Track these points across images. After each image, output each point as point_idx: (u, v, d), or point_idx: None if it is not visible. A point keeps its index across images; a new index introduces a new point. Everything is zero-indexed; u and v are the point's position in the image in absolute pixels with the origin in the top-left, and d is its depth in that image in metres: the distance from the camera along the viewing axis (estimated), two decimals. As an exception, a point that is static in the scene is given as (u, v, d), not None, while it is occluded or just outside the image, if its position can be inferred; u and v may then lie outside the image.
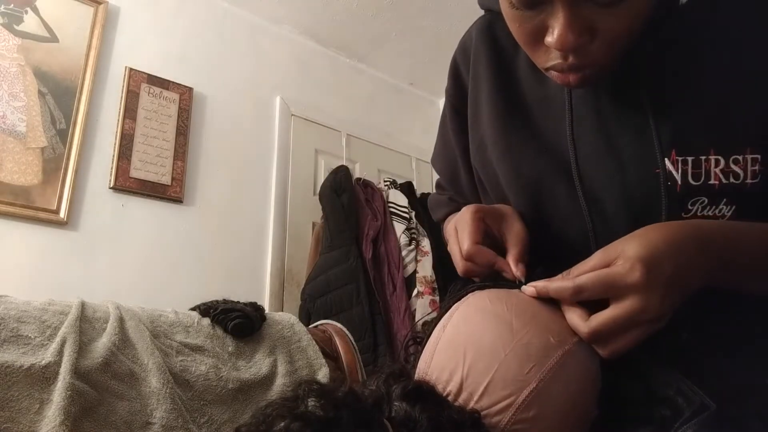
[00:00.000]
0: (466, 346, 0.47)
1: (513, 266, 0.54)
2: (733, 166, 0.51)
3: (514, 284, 0.53)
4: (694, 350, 0.50)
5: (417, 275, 2.10)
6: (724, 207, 0.51)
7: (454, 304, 0.52)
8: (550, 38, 0.48)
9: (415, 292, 2.06)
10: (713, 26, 0.54)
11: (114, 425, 0.79)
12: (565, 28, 0.46)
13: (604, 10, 0.46)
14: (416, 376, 0.49)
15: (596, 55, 0.49)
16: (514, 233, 0.58)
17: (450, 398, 0.45)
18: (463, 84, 0.73)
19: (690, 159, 0.52)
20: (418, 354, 0.53)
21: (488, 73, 0.66)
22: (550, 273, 0.51)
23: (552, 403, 0.44)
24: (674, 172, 0.52)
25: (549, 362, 0.44)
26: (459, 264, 0.58)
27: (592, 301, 0.47)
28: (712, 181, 0.51)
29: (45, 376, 0.77)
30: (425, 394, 0.44)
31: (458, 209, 0.69)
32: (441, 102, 3.17)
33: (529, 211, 0.62)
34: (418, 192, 2.54)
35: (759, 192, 0.51)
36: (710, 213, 0.52)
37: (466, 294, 0.52)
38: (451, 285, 0.57)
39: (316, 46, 2.72)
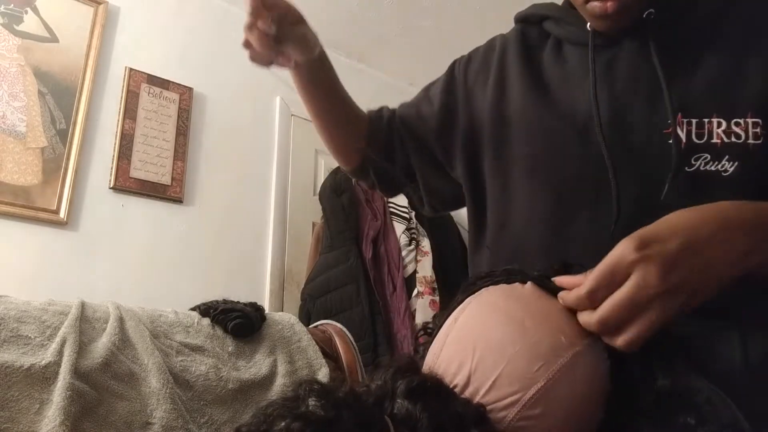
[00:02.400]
0: (476, 340, 0.47)
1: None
2: (734, 128, 0.56)
3: (528, 279, 0.52)
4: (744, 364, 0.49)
5: (417, 275, 2.10)
6: (727, 163, 0.55)
7: (467, 298, 0.52)
8: None
9: (415, 292, 2.06)
10: (723, 3, 0.61)
11: (114, 425, 0.79)
12: None
13: None
14: (424, 369, 0.49)
15: None
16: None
17: (457, 390, 0.45)
18: (480, 64, 0.81)
19: (694, 121, 0.57)
20: (427, 346, 0.53)
21: (517, 59, 0.75)
22: (564, 265, 0.51)
23: (558, 402, 0.44)
24: (680, 132, 0.58)
25: (558, 362, 0.44)
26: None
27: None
28: (714, 140, 0.56)
29: (45, 376, 0.77)
30: (430, 390, 0.44)
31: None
32: (441, 102, 3.17)
33: (540, 158, 0.68)
34: (418, 192, 2.53)
35: (763, 152, 0.55)
36: (712, 168, 0.56)
37: (480, 289, 0.52)
38: (462, 281, 0.56)
39: (316, 46, 2.72)
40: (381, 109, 0.95)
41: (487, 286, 0.52)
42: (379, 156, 0.88)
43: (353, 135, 0.90)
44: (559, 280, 0.49)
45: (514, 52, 0.76)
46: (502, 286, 0.51)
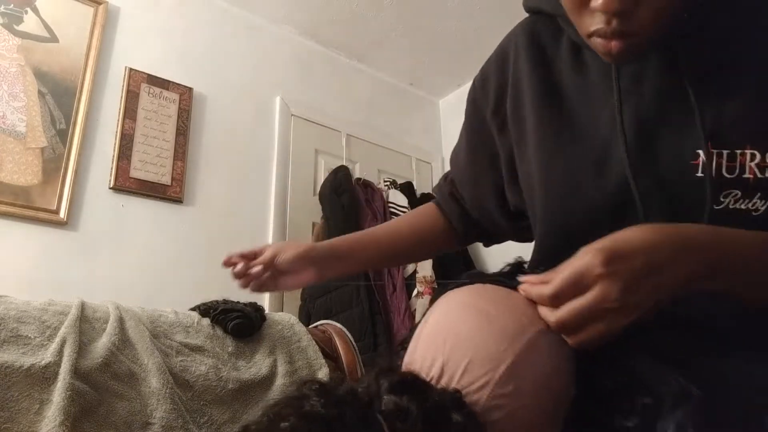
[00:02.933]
0: (446, 334, 0.49)
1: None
2: None
3: (498, 282, 0.55)
4: (684, 345, 0.51)
5: (417, 275, 2.10)
6: (759, 201, 0.51)
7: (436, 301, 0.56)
8: (596, 1, 0.49)
9: (415, 292, 2.06)
10: (755, 20, 0.54)
11: (114, 425, 0.79)
12: None
13: None
14: (403, 368, 0.52)
15: (640, 21, 0.50)
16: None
17: (432, 382, 0.47)
18: (496, 87, 0.73)
19: (725, 152, 0.52)
20: (405, 349, 0.55)
21: (528, 66, 0.67)
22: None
23: (528, 378, 0.46)
24: (709, 165, 0.52)
25: (523, 339, 0.47)
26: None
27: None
28: (746, 175, 0.51)
29: (45, 376, 0.77)
30: (410, 383, 0.46)
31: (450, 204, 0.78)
32: (441, 102, 3.17)
33: (557, 210, 0.62)
34: (418, 192, 2.54)
35: None
36: (743, 206, 0.51)
37: (446, 292, 0.56)
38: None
39: (316, 46, 2.72)
40: (442, 195, 0.87)
41: (453, 289, 0.55)
42: (475, 229, 0.85)
43: (443, 244, 0.88)
44: (525, 278, 0.52)
45: (524, 56, 0.68)
46: (467, 287, 0.55)
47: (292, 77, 2.58)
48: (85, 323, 0.90)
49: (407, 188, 2.44)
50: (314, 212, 2.33)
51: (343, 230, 2.09)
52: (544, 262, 0.58)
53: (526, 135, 0.67)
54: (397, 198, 2.31)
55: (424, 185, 2.74)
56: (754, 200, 0.51)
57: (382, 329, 1.93)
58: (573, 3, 0.53)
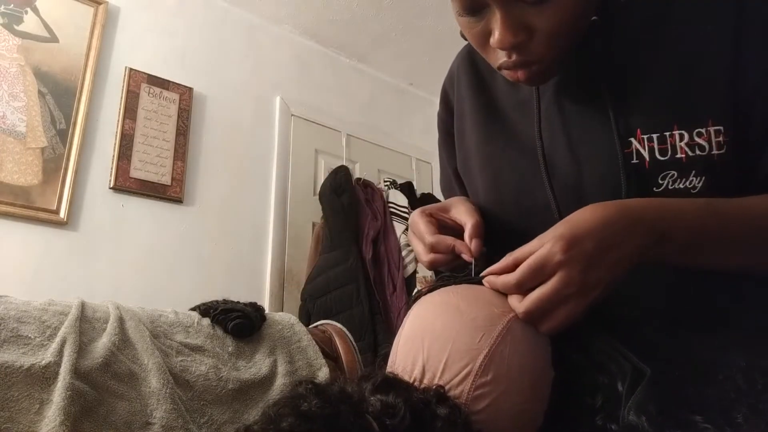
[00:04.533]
0: (423, 335, 0.51)
1: (468, 242, 0.59)
2: (697, 139, 0.54)
3: (467, 281, 0.57)
4: (638, 324, 0.53)
5: (417, 275, 2.10)
6: (694, 179, 0.54)
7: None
8: (492, 39, 0.54)
9: (414, 292, 2.06)
10: (660, 20, 0.58)
11: (114, 425, 0.79)
12: (503, 28, 0.52)
13: (535, 9, 0.51)
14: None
15: (537, 50, 0.54)
16: (464, 212, 0.63)
17: (416, 383, 0.48)
18: (451, 108, 0.79)
19: (655, 136, 0.55)
20: (386, 358, 0.57)
21: (469, 91, 0.73)
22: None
23: (506, 364, 0.47)
24: (642, 150, 0.56)
25: (497, 329, 0.48)
26: (424, 259, 0.63)
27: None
28: (678, 155, 0.54)
29: (45, 376, 0.77)
30: (393, 382, 0.47)
31: None
32: (441, 102, 3.17)
33: (508, 217, 0.66)
34: (418, 192, 2.54)
35: (728, 162, 0.53)
36: (681, 186, 0.54)
37: (420, 298, 0.58)
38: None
39: (316, 46, 2.72)
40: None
41: (425, 293, 0.57)
42: None
43: None
44: (487, 270, 0.54)
45: (465, 82, 0.74)
46: (437, 290, 0.57)
47: (292, 77, 2.58)
48: (85, 323, 0.90)
49: (407, 188, 2.44)
50: (314, 212, 2.33)
51: (343, 230, 2.09)
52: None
53: (470, 152, 0.72)
54: (397, 198, 2.31)
55: (424, 185, 2.74)
56: (690, 178, 0.54)
57: (382, 329, 1.93)
58: (476, 42, 0.57)
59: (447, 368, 0.47)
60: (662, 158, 0.55)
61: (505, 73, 0.58)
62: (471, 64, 0.74)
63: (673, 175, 0.54)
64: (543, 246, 0.48)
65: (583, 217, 0.49)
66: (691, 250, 0.51)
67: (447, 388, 0.46)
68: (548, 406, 0.49)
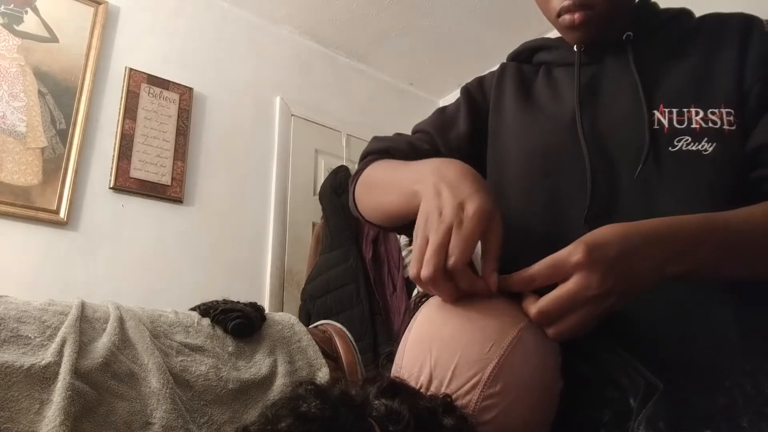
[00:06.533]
0: (431, 341, 0.50)
1: (487, 279, 0.51)
2: (711, 116, 0.64)
3: None
4: (642, 334, 0.54)
5: (417, 275, 2.10)
6: (706, 144, 0.63)
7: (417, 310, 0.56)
8: None
9: (415, 292, 2.06)
10: (690, 28, 0.73)
11: (114, 425, 0.79)
12: None
13: None
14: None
15: None
16: (494, 235, 0.53)
17: (422, 390, 0.47)
18: (485, 93, 0.86)
19: (674, 110, 0.66)
20: (391, 362, 0.56)
21: (513, 86, 0.81)
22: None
23: (515, 375, 0.46)
24: (663, 120, 0.66)
25: (507, 338, 0.47)
26: (423, 272, 0.51)
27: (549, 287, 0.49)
28: (693, 125, 0.64)
29: (45, 376, 0.77)
30: (399, 388, 0.45)
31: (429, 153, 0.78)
32: (441, 102, 3.16)
33: (535, 176, 0.71)
34: (418, 192, 2.53)
35: (737, 137, 0.63)
36: (694, 148, 0.63)
37: (428, 299, 0.56)
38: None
39: (316, 46, 2.72)
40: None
41: (433, 295, 0.55)
42: None
43: None
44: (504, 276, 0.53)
45: (511, 81, 0.82)
46: None
47: (292, 77, 2.58)
48: (85, 323, 0.90)
49: (407, 188, 2.43)
50: (314, 212, 2.33)
51: (343, 230, 2.09)
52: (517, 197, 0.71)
53: (506, 127, 0.80)
54: (397, 198, 2.31)
55: (424, 185, 2.74)
56: (702, 143, 0.63)
57: (382, 329, 1.93)
58: None
59: (455, 377, 0.46)
60: (679, 126, 0.64)
61: (564, 19, 0.70)
62: (518, 71, 0.83)
63: (688, 139, 0.63)
64: (565, 249, 0.48)
65: (605, 229, 0.51)
66: (717, 267, 0.53)
67: (454, 397, 0.45)
68: (557, 415, 0.48)
